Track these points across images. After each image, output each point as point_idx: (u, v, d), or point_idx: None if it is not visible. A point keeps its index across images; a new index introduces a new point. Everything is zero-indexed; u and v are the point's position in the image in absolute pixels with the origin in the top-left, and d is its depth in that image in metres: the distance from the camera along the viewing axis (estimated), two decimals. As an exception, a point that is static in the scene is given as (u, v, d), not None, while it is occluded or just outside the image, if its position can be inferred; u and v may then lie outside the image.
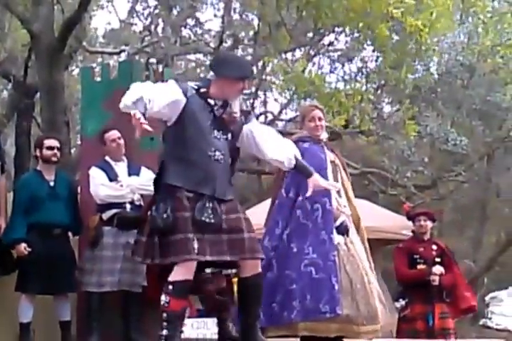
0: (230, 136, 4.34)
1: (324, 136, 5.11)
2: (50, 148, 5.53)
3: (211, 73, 4.39)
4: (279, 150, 4.43)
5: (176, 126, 4.25)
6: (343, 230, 4.81)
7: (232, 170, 4.45)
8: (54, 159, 5.53)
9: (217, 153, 4.24)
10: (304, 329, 4.67)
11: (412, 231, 6.91)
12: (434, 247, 6.69)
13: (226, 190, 4.32)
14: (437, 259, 6.62)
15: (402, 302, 6.69)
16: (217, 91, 4.30)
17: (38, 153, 5.55)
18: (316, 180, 4.47)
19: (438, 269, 6.54)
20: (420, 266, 6.58)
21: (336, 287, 4.62)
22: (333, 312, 4.58)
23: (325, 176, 4.77)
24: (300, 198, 4.81)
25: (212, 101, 4.29)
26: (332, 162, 5.00)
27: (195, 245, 4.10)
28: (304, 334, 4.70)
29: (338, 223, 4.81)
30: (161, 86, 4.29)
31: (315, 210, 4.77)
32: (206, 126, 4.24)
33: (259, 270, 4.33)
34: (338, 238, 4.80)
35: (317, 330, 4.67)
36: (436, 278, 6.51)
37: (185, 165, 4.20)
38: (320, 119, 5.06)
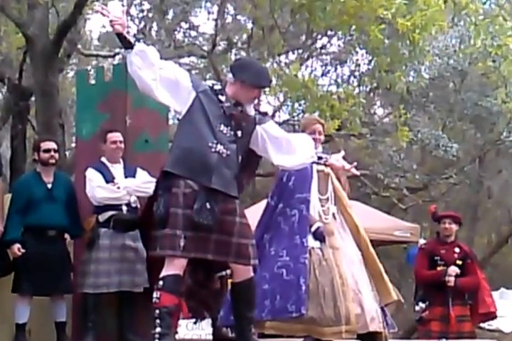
0: (240, 133, 4.34)
1: (319, 149, 5.28)
2: (47, 150, 5.55)
3: (230, 75, 4.43)
4: (288, 157, 4.51)
5: (184, 118, 4.29)
6: (318, 236, 4.99)
7: (246, 171, 4.45)
8: (52, 161, 5.56)
9: (219, 145, 4.23)
10: (271, 327, 4.88)
11: (437, 233, 6.90)
12: (457, 250, 6.64)
13: (228, 185, 4.28)
14: (458, 262, 6.56)
15: (422, 305, 6.67)
16: (232, 92, 4.35)
17: (36, 157, 5.58)
18: (338, 158, 4.76)
19: (453, 270, 6.49)
20: (440, 268, 6.56)
21: (303, 288, 4.81)
22: (298, 312, 4.77)
23: (309, 184, 5.05)
24: (281, 205, 5.08)
25: (222, 98, 4.33)
26: (321, 171, 5.16)
27: (182, 243, 4.13)
28: (271, 332, 4.89)
29: (313, 229, 4.99)
30: (176, 65, 4.38)
31: (292, 216, 5.02)
32: (213, 118, 4.26)
33: (251, 275, 4.37)
34: (313, 243, 4.99)
35: (282, 329, 4.88)
36: (452, 278, 6.46)
37: (184, 153, 4.23)
38: (320, 133, 5.27)
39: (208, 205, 4.18)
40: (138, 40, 4.58)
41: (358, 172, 5.10)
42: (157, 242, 4.20)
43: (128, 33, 4.27)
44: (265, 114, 4.68)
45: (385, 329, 5.12)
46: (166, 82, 4.25)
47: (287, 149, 4.51)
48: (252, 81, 4.34)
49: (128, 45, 4.20)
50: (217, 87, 4.39)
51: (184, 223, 4.16)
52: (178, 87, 4.27)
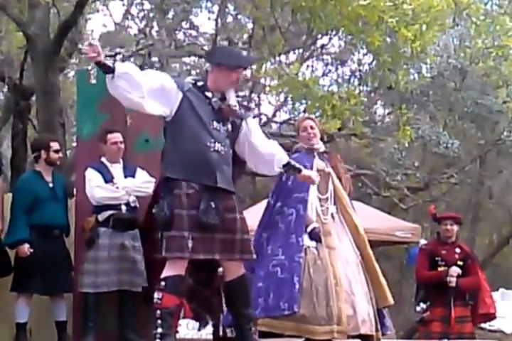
0: (230, 127, 4.36)
1: (319, 145, 5.26)
2: (57, 151, 5.63)
3: (207, 64, 4.45)
4: (272, 150, 4.49)
5: (175, 121, 4.28)
6: (313, 236, 5.00)
7: (236, 164, 4.44)
8: (58, 162, 5.66)
9: (216, 144, 4.24)
10: (263, 324, 4.88)
11: (437, 233, 6.90)
12: (458, 250, 6.64)
13: (229, 181, 4.31)
14: (459, 262, 6.56)
15: (423, 305, 6.65)
16: (214, 83, 4.34)
17: (44, 155, 5.59)
18: (309, 175, 4.62)
19: (454, 270, 6.49)
20: (441, 269, 6.56)
21: (297, 286, 4.83)
22: (291, 310, 4.79)
23: (307, 184, 4.97)
24: (279, 204, 5.10)
25: (209, 94, 4.32)
26: (321, 170, 5.15)
27: (190, 244, 4.13)
28: (263, 329, 4.89)
29: (309, 229, 4.99)
30: (155, 72, 4.38)
31: (289, 215, 5.04)
32: (205, 117, 4.26)
33: (243, 271, 4.40)
34: (309, 242, 5.00)
35: (273, 326, 4.88)
36: (453, 279, 6.46)
37: (184, 157, 4.22)
38: (312, 128, 5.25)
39: (212, 204, 4.20)
40: (114, 57, 4.55)
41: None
42: (163, 244, 4.17)
43: (106, 56, 4.22)
44: (248, 108, 4.69)
45: (378, 331, 5.10)
46: (153, 94, 4.21)
47: (263, 151, 4.49)
48: (228, 62, 4.33)
49: (108, 70, 4.12)
50: (200, 83, 4.36)
51: (190, 224, 4.16)
52: (164, 92, 4.25)
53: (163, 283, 4.19)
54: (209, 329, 6.13)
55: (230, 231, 4.26)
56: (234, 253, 4.27)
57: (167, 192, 4.23)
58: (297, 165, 4.58)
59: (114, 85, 4.14)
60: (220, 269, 4.77)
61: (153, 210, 4.30)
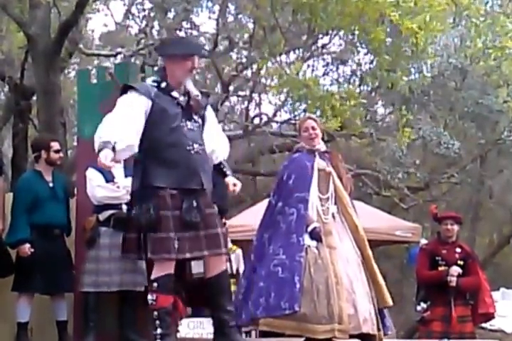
0: (200, 121, 4.39)
1: (321, 146, 5.27)
2: (57, 151, 5.65)
3: (160, 58, 4.45)
4: (213, 145, 4.50)
5: (147, 127, 4.27)
6: (314, 236, 5.01)
7: None
8: (59, 162, 5.67)
9: (195, 145, 4.27)
10: (264, 324, 4.88)
11: (437, 233, 6.91)
12: (458, 250, 6.65)
13: (210, 179, 4.38)
14: (460, 262, 6.57)
15: (423, 305, 6.66)
16: (172, 76, 4.33)
17: (44, 155, 5.61)
18: (229, 181, 4.57)
19: (455, 270, 6.50)
20: (441, 268, 6.56)
21: (298, 285, 4.83)
22: (292, 309, 4.79)
23: (307, 183, 5.07)
24: (280, 204, 5.10)
25: (175, 94, 4.32)
26: (322, 170, 5.16)
27: (176, 245, 4.16)
28: (264, 329, 4.91)
29: (310, 229, 5.00)
30: (129, 115, 4.27)
31: (290, 214, 5.04)
32: (178, 120, 4.27)
33: (225, 266, 4.45)
34: (309, 242, 5.00)
35: (274, 326, 4.88)
36: (454, 278, 6.46)
37: (167, 166, 4.24)
38: (313, 128, 5.26)
39: (194, 203, 4.23)
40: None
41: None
42: (148, 246, 4.19)
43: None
44: (207, 95, 4.71)
45: (380, 331, 5.10)
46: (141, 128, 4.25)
47: (218, 133, 4.56)
48: (181, 51, 4.32)
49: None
50: (163, 84, 4.35)
51: (175, 224, 4.19)
52: (144, 115, 4.26)
53: (155, 284, 4.22)
54: (210, 329, 6.13)
55: (212, 227, 4.30)
56: (220, 247, 4.31)
57: (151, 194, 4.23)
58: (224, 169, 4.57)
59: (119, 159, 4.24)
60: (193, 264, 4.80)
61: (133, 212, 4.29)
